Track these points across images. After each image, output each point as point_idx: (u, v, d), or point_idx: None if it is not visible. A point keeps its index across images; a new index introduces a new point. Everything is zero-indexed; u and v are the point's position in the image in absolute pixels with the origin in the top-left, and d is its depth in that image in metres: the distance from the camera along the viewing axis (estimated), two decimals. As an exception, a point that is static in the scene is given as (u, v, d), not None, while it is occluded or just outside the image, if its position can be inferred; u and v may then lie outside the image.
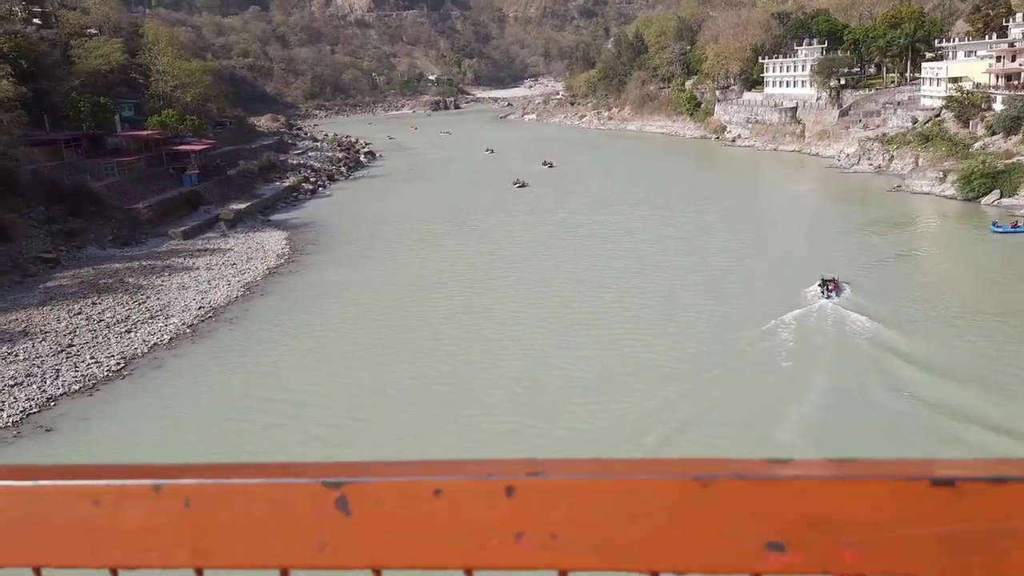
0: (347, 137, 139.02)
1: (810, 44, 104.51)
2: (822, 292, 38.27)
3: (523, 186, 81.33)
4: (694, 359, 31.94)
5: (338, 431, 27.81)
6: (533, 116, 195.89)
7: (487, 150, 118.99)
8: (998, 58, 76.49)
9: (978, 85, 75.26)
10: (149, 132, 74.05)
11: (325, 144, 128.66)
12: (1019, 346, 31.93)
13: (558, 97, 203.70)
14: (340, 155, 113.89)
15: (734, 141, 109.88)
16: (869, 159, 79.47)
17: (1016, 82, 72.59)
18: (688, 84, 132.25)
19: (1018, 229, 50.82)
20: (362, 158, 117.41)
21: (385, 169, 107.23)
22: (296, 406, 30.06)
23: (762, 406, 27.37)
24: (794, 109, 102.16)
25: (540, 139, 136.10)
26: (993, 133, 68.90)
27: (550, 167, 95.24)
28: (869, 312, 35.97)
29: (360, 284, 48.06)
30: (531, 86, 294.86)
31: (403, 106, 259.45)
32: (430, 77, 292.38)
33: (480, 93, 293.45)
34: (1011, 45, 76.48)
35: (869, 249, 49.25)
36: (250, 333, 39.40)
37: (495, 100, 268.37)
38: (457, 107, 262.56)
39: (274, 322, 41.19)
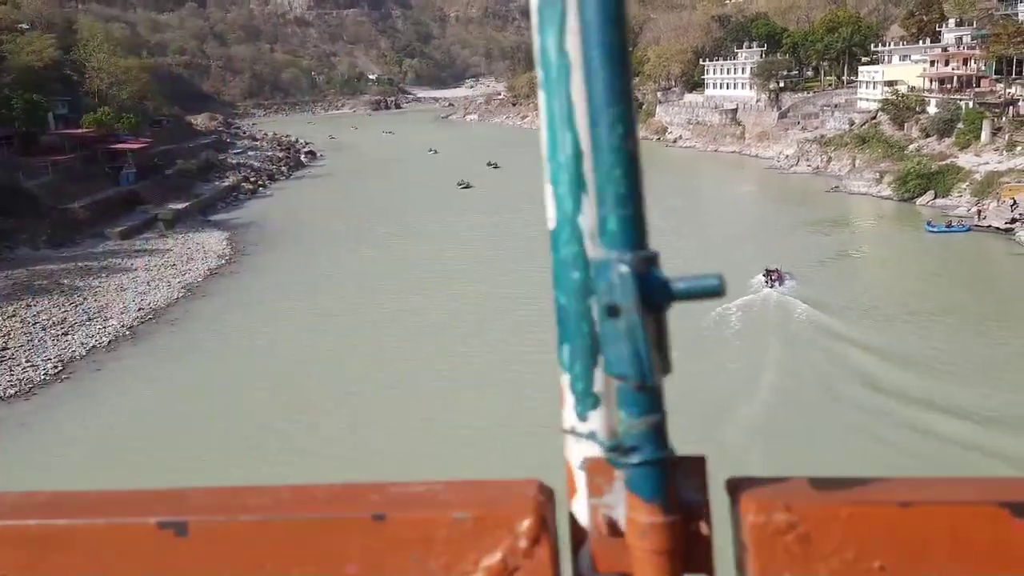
0: (287, 136, 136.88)
1: (750, 47, 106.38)
2: (766, 282, 40.55)
3: (468, 187, 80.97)
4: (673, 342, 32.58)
5: (281, 435, 27.21)
6: (475, 116, 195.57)
7: (430, 150, 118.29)
8: (932, 63, 78.80)
9: (913, 89, 77.45)
10: (84, 130, 71.76)
11: (265, 143, 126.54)
12: (944, 333, 34.29)
13: (500, 97, 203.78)
14: (280, 154, 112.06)
15: (675, 142, 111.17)
16: (808, 160, 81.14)
17: (949, 86, 74.86)
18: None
19: (952, 229, 52.35)
20: (303, 158, 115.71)
21: (327, 169, 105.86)
22: (240, 410, 29.31)
23: (716, 381, 29.55)
24: (734, 111, 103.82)
25: (483, 139, 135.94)
26: (927, 135, 70.92)
27: (495, 167, 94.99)
28: (810, 300, 38.34)
29: (304, 284, 47.25)
30: (472, 86, 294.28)
31: (343, 106, 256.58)
32: (371, 77, 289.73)
33: (421, 93, 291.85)
34: (944, 50, 78.90)
35: (809, 247, 50.35)
36: (192, 335, 38.40)
37: (436, 100, 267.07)
38: (398, 107, 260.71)
39: (216, 323, 40.21)
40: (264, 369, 33.57)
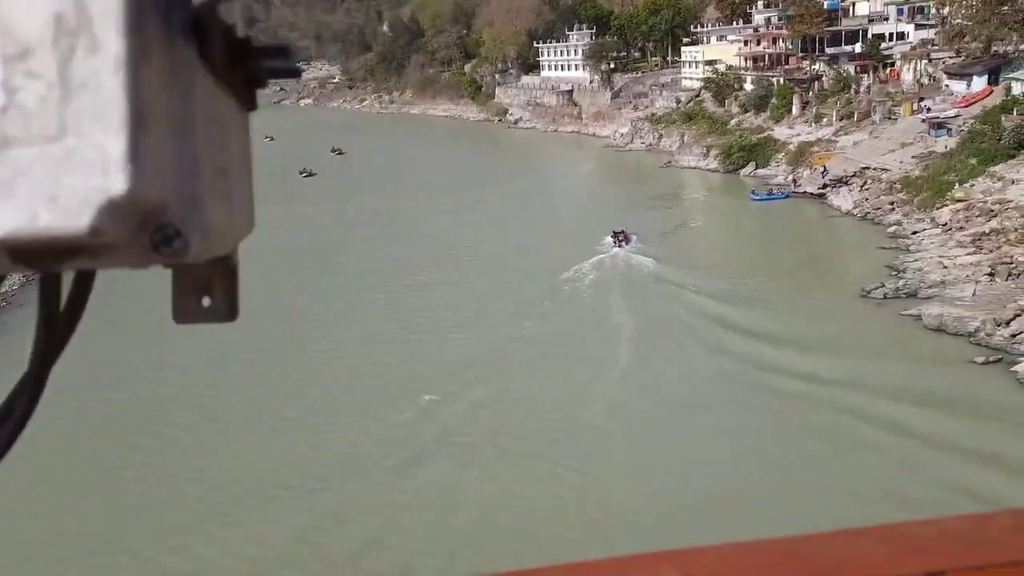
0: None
1: (580, 29, 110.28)
2: (614, 242, 46.02)
3: (311, 175, 79.66)
4: (522, 302, 38.61)
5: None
6: (310, 101, 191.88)
7: (266, 137, 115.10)
8: (745, 42, 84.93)
9: (730, 67, 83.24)
10: None
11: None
12: (762, 280, 39.90)
13: (335, 81, 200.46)
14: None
15: (516, 123, 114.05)
16: (641, 138, 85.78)
17: (762, 64, 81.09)
18: (468, 68, 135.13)
19: (772, 196, 57.40)
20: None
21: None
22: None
23: (579, 324, 35.54)
24: (570, 92, 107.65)
25: (322, 124, 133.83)
26: (746, 111, 76.77)
27: (340, 154, 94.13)
28: (652, 255, 44.47)
29: (125, 285, 46.11)
30: (304, 70, 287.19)
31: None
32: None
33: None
34: (755, 30, 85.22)
35: (648, 219, 53.99)
36: None
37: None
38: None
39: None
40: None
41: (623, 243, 45.94)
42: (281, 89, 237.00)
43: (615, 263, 43.98)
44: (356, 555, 20.66)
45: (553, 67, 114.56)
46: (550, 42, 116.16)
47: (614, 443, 25.58)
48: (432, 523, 21.73)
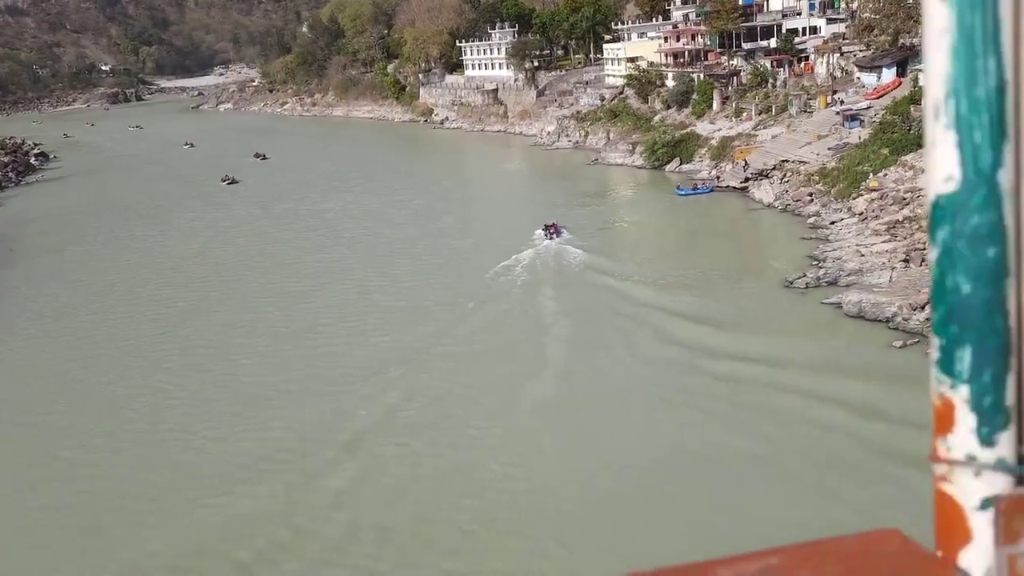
0: (11, 139, 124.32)
1: (503, 28, 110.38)
2: (545, 235, 47.90)
3: (233, 182, 78.15)
4: (457, 293, 40.25)
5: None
6: (230, 105, 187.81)
7: (186, 144, 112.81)
8: (665, 38, 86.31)
9: (652, 64, 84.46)
10: None
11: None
12: (689, 269, 41.47)
13: (255, 84, 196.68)
14: (5, 159, 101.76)
15: (442, 123, 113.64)
16: (568, 136, 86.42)
17: (682, 60, 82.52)
18: (390, 68, 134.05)
19: (697, 191, 58.51)
20: (33, 160, 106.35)
21: (65, 171, 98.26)
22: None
23: (511, 310, 37.63)
24: (495, 91, 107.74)
25: (243, 129, 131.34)
26: (668, 107, 78.01)
27: (263, 159, 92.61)
28: (581, 247, 46.28)
29: (54, 297, 44.99)
30: (223, 74, 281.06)
31: (75, 100, 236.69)
32: (104, 67, 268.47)
33: (166, 83, 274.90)
34: (675, 27, 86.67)
35: (577, 213, 54.61)
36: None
37: (184, 90, 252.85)
38: (140, 99, 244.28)
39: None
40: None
41: (554, 235, 47.77)
42: (200, 94, 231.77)
43: (547, 254, 45.76)
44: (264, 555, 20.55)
45: (477, 66, 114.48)
46: (473, 41, 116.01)
47: (539, 433, 26.05)
48: (345, 524, 21.69)
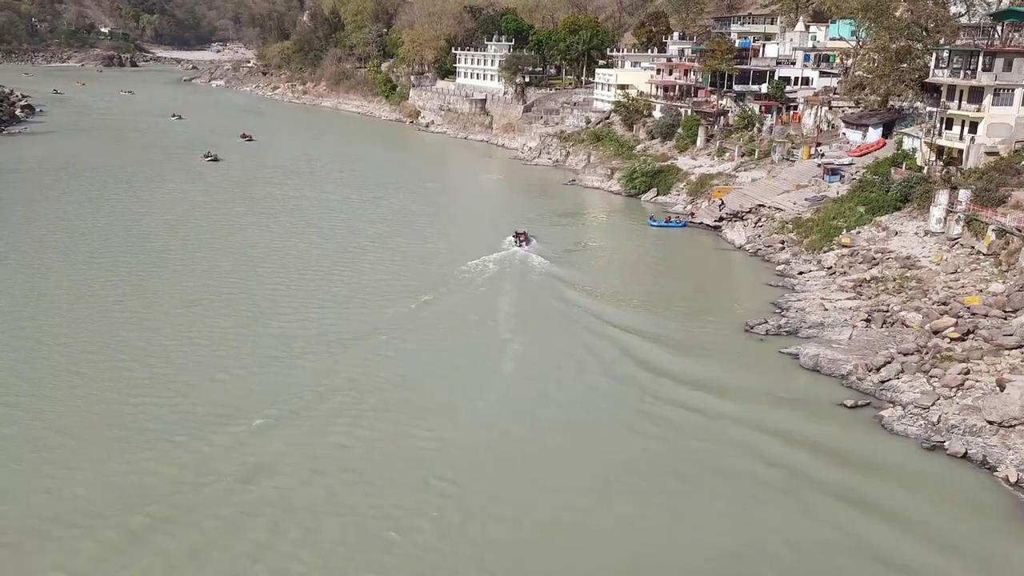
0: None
1: (499, 41, 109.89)
2: (515, 242, 49.28)
3: (215, 160, 76.68)
4: (424, 285, 41.20)
5: None
6: (222, 82, 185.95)
7: (173, 115, 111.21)
8: (658, 71, 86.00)
9: (642, 93, 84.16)
10: None
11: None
12: (651, 298, 41.73)
13: (249, 65, 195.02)
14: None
15: (428, 127, 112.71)
16: (549, 153, 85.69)
17: (672, 93, 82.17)
18: (384, 66, 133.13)
19: (670, 224, 57.81)
20: (19, 112, 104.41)
21: (49, 126, 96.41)
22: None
23: (473, 306, 38.88)
24: (484, 101, 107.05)
25: (232, 108, 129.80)
26: (652, 137, 77.52)
27: (249, 140, 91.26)
28: (548, 256, 47.72)
29: (15, 247, 43.27)
30: (219, 51, 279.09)
31: (70, 58, 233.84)
32: (103, 29, 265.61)
33: (162, 53, 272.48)
34: (668, 60, 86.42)
35: (549, 231, 54.29)
36: None
37: (179, 62, 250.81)
38: (134, 65, 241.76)
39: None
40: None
41: (524, 243, 49.28)
42: (194, 67, 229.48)
43: (514, 260, 46.87)
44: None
45: (469, 75, 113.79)
46: (468, 50, 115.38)
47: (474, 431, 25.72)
48: (269, 531, 20.40)
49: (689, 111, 76.18)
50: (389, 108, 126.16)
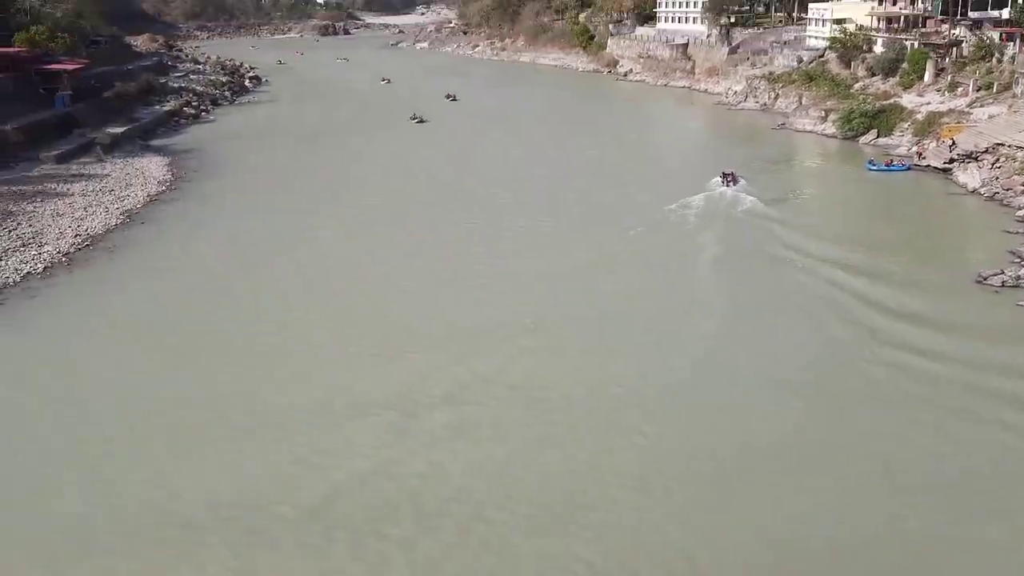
0: (231, 60, 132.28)
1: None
2: (723, 182, 48.85)
3: (422, 122, 78.83)
4: (636, 222, 42.75)
5: (224, 349, 27.17)
6: (425, 44, 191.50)
7: (383, 80, 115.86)
8: (880, 1, 79.00)
9: (861, 27, 77.73)
10: (17, 49, 68.36)
11: (208, 67, 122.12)
12: (870, 246, 38.50)
13: (451, 26, 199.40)
14: (224, 79, 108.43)
15: (626, 76, 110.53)
16: (756, 97, 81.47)
17: (896, 25, 75.33)
18: (582, 17, 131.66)
19: (892, 168, 53.39)
20: (247, 83, 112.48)
21: (273, 95, 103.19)
22: (183, 336, 29.12)
23: (679, 244, 39.61)
24: (685, 45, 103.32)
25: (435, 68, 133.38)
26: (873, 75, 71.60)
27: (453, 100, 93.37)
28: (758, 196, 46.63)
29: (247, 213, 46.67)
30: (423, 13, 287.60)
31: (290, 30, 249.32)
32: (319, 1, 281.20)
33: (371, 19, 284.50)
34: (892, -11, 79.08)
35: (756, 178, 51.38)
36: (131, 262, 37.69)
37: (387, 27, 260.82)
38: (347, 32, 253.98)
39: (157, 251, 39.52)
40: (206, 293, 33.26)
41: (731, 183, 48.27)
42: (400, 31, 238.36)
43: (722, 200, 46.57)
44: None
45: (670, 19, 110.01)
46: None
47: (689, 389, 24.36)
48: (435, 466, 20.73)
49: (916, 43, 69.48)
50: (586, 59, 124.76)
